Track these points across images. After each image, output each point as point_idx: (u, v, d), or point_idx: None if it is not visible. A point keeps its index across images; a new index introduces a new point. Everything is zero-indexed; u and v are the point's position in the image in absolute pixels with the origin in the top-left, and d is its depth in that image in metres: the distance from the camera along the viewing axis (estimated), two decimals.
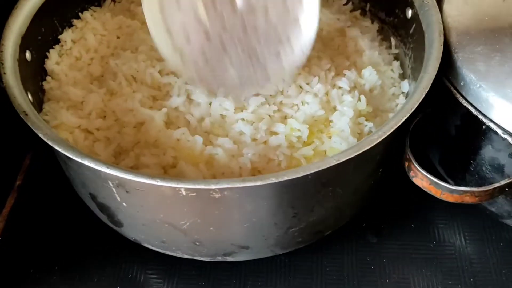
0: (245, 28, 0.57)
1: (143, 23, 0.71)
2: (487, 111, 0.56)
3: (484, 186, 0.56)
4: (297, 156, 0.56)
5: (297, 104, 0.60)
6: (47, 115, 0.61)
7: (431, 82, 0.53)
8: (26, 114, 0.52)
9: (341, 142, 0.57)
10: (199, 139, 0.55)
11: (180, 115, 0.59)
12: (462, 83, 0.58)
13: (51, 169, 0.67)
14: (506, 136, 0.55)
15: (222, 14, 0.56)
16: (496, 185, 0.56)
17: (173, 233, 0.54)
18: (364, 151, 0.49)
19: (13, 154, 0.72)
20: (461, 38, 0.60)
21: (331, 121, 0.60)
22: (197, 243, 0.56)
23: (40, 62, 0.65)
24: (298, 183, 0.49)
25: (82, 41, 0.69)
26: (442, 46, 0.57)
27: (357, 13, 0.75)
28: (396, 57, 0.70)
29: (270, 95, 0.60)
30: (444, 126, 0.63)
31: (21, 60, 0.58)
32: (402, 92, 0.66)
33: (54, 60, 0.66)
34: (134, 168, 0.56)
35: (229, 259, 0.59)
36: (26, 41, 0.60)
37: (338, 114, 0.59)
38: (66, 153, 0.48)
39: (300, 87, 0.61)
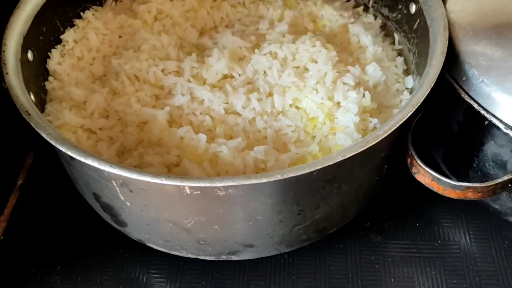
0: None
1: (145, 22, 0.72)
2: (489, 106, 0.56)
3: (487, 182, 0.55)
4: (302, 153, 0.56)
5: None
6: (49, 116, 0.61)
7: (437, 76, 0.53)
8: (29, 114, 0.51)
9: (345, 139, 0.57)
10: (203, 137, 0.55)
11: (183, 113, 0.59)
12: (464, 78, 0.57)
13: (53, 169, 0.67)
14: (508, 131, 0.55)
15: None
16: (499, 180, 0.55)
17: (177, 232, 0.54)
18: (370, 147, 0.48)
19: (15, 153, 0.72)
20: (463, 33, 0.60)
21: (335, 118, 0.59)
22: (202, 242, 0.55)
23: (42, 62, 0.65)
24: (303, 180, 0.49)
25: (84, 41, 0.69)
26: (447, 41, 0.56)
27: (360, 9, 0.75)
28: (400, 53, 0.70)
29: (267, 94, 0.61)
30: (446, 122, 0.63)
31: (23, 60, 0.58)
32: (407, 88, 0.65)
33: (56, 60, 0.66)
34: (138, 167, 0.56)
35: (234, 258, 0.59)
36: (28, 41, 0.60)
37: (342, 110, 0.59)
38: (69, 153, 0.48)
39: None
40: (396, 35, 0.70)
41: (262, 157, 0.54)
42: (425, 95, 0.51)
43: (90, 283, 0.63)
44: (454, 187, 0.55)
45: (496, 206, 0.63)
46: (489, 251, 0.65)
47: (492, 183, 0.55)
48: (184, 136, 0.56)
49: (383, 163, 0.57)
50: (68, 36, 0.68)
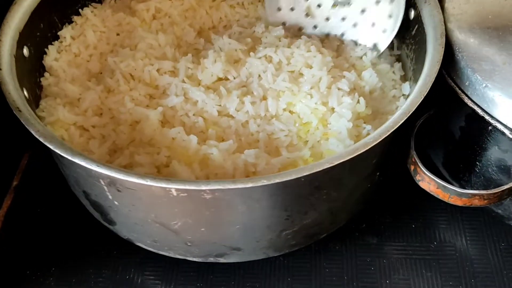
0: None
1: (143, 20, 0.71)
2: (493, 111, 0.55)
3: (493, 189, 0.55)
4: (293, 157, 0.55)
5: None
6: (43, 112, 0.61)
7: (431, 85, 0.52)
8: (20, 111, 0.51)
9: (338, 145, 0.56)
10: (194, 139, 0.55)
11: (176, 114, 0.58)
12: (467, 83, 0.57)
13: (49, 170, 0.66)
14: None
15: None
16: (506, 187, 0.55)
17: (164, 233, 0.54)
18: (359, 154, 0.48)
19: (10, 154, 0.72)
20: (464, 37, 0.59)
21: (329, 123, 0.59)
22: (189, 244, 0.55)
23: (38, 58, 0.65)
24: (291, 185, 0.48)
25: (81, 38, 0.69)
26: (443, 48, 0.56)
27: None
28: (398, 59, 0.69)
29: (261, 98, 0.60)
30: (448, 127, 0.62)
31: (18, 56, 0.58)
32: (403, 94, 0.65)
33: (52, 56, 0.66)
34: (128, 167, 0.56)
35: (222, 260, 0.58)
36: (24, 37, 0.60)
37: (336, 116, 0.58)
38: (57, 151, 0.48)
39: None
40: (394, 40, 0.70)
41: (252, 160, 0.54)
42: (418, 104, 0.51)
43: (85, 285, 0.63)
44: (460, 194, 0.55)
45: (499, 211, 0.63)
46: (485, 253, 0.65)
47: (498, 190, 0.55)
48: (176, 137, 0.56)
49: (375, 170, 0.57)
50: (66, 32, 0.68)
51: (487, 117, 0.55)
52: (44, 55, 0.66)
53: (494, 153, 0.57)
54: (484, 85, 0.55)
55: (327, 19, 0.68)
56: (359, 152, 0.47)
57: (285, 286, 0.62)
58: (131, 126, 0.59)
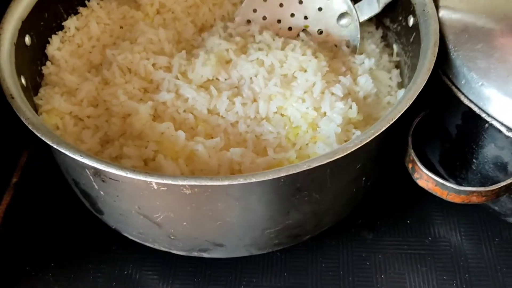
0: None
1: (147, 14, 0.72)
2: (489, 109, 0.55)
3: (491, 186, 0.55)
4: (279, 158, 0.56)
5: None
6: (41, 99, 0.62)
7: (417, 93, 0.52)
8: (12, 98, 0.53)
9: (325, 148, 0.56)
10: (181, 134, 0.55)
11: (167, 109, 0.59)
12: (463, 82, 0.57)
13: (48, 167, 0.66)
14: (510, 134, 0.54)
15: None
16: (503, 184, 0.55)
17: (148, 225, 0.55)
18: (340, 159, 0.48)
19: (10, 151, 0.72)
20: (459, 36, 0.59)
21: (318, 127, 0.59)
22: (172, 237, 0.56)
23: (41, 47, 0.66)
24: (270, 185, 0.49)
25: (85, 29, 0.70)
26: (435, 57, 0.55)
27: None
28: (397, 65, 0.69)
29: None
30: (445, 125, 0.62)
31: (19, 44, 0.60)
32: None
33: (55, 46, 0.68)
34: (118, 158, 0.57)
35: (205, 255, 0.59)
36: (27, 26, 0.62)
37: (326, 120, 0.58)
38: (44, 138, 0.49)
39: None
40: (395, 47, 0.69)
41: (238, 158, 0.54)
42: (402, 112, 0.50)
43: (84, 280, 0.63)
44: (458, 192, 0.55)
45: (496, 208, 0.63)
46: (479, 248, 0.65)
47: (496, 187, 0.55)
48: (164, 132, 0.57)
49: (361, 175, 0.57)
50: (71, 23, 0.70)
51: (483, 115, 0.56)
52: (47, 44, 0.67)
53: (490, 151, 0.58)
54: (480, 83, 0.55)
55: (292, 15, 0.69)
56: (338, 157, 0.47)
57: (282, 281, 0.63)
58: (123, 119, 0.60)
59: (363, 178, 0.58)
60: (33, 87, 0.63)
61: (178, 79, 0.62)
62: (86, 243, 0.66)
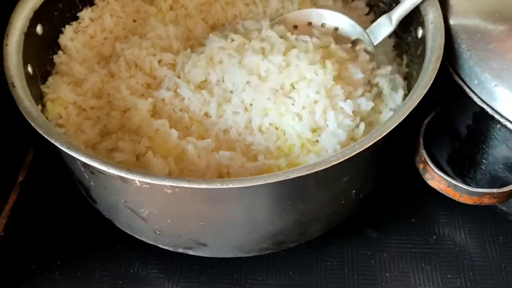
0: None
1: (160, 10, 0.73)
2: (502, 109, 0.55)
3: (504, 187, 0.56)
4: (269, 164, 0.56)
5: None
6: (48, 88, 0.64)
7: (410, 110, 0.51)
8: (14, 86, 0.55)
9: (315, 160, 0.55)
10: (174, 133, 0.56)
11: (165, 107, 0.60)
12: (476, 82, 0.56)
13: (54, 166, 0.66)
14: None
15: None
16: None
17: (135, 219, 0.56)
18: (322, 171, 0.48)
19: (16, 150, 0.72)
20: (472, 35, 0.58)
21: (318, 136, 0.57)
22: (158, 232, 0.57)
23: (54, 36, 0.68)
24: (249, 192, 0.49)
25: (99, 21, 0.71)
26: (435, 73, 0.54)
27: None
28: (406, 77, 0.67)
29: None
30: (455, 125, 0.62)
31: (29, 33, 0.61)
32: None
33: (68, 36, 0.69)
34: (113, 151, 0.58)
35: (191, 252, 0.60)
36: (39, 16, 0.63)
37: (330, 134, 0.56)
38: (35, 126, 0.50)
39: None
40: (404, 57, 0.68)
41: (226, 161, 0.55)
42: (391, 128, 0.49)
43: (90, 278, 0.64)
44: (471, 193, 0.56)
45: (504, 208, 0.63)
46: (484, 247, 0.66)
47: (508, 189, 0.56)
48: (159, 129, 0.58)
49: (349, 188, 0.56)
50: (86, 14, 0.71)
51: (496, 116, 0.55)
52: (60, 34, 0.69)
53: (501, 151, 0.58)
54: (493, 83, 0.55)
55: None
56: (318, 169, 0.47)
57: (286, 279, 0.64)
58: (123, 112, 0.61)
59: (353, 191, 0.57)
60: (42, 76, 0.65)
61: (180, 77, 0.62)
62: (92, 241, 0.67)
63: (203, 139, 0.57)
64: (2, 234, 0.66)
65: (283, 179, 0.47)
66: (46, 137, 0.50)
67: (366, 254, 0.65)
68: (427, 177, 0.57)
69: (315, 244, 0.65)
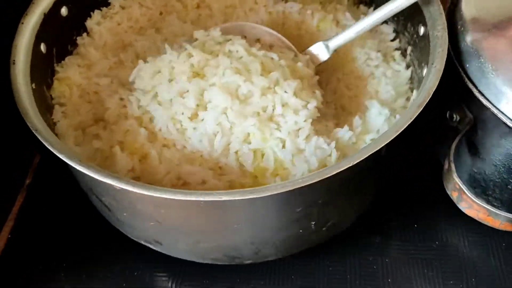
0: None
1: (186, 7, 0.75)
2: None
3: None
4: (232, 179, 0.55)
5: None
6: (62, 67, 0.68)
7: (402, 129, 0.49)
8: (14, 63, 0.58)
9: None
10: (144, 132, 0.57)
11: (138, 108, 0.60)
12: (505, 102, 0.54)
13: (61, 168, 0.62)
14: None
15: None
16: None
17: (102, 207, 0.59)
18: (268, 197, 0.47)
19: (23, 153, 0.73)
20: (496, 53, 0.56)
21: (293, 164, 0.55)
22: (121, 221, 0.59)
23: (81, 18, 0.71)
24: (190, 206, 0.49)
25: (129, 9, 0.74)
26: (438, 81, 0.52)
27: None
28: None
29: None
30: (479, 145, 0.60)
31: (50, 13, 0.64)
32: None
33: (96, 20, 0.72)
34: (96, 137, 0.61)
35: (151, 246, 0.61)
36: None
37: (301, 160, 0.55)
38: (24, 117, 0.53)
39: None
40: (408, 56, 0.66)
41: (185, 176, 0.55)
42: (358, 161, 0.47)
43: (95, 280, 0.65)
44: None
45: None
46: (486, 253, 0.66)
47: None
48: (132, 125, 0.59)
49: (306, 218, 0.54)
50: (116, 1, 0.74)
51: None
52: (88, 18, 0.73)
53: None
54: None
55: None
56: (274, 193, 0.46)
57: (289, 284, 0.65)
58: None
59: (312, 222, 0.55)
60: (60, 55, 0.69)
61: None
62: (97, 243, 0.68)
63: (174, 146, 0.57)
64: (9, 236, 0.68)
65: (223, 199, 0.46)
66: (32, 130, 0.53)
67: (368, 259, 0.66)
68: (462, 205, 0.56)
69: (318, 249, 0.64)
